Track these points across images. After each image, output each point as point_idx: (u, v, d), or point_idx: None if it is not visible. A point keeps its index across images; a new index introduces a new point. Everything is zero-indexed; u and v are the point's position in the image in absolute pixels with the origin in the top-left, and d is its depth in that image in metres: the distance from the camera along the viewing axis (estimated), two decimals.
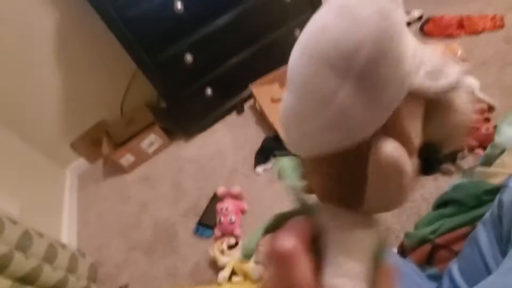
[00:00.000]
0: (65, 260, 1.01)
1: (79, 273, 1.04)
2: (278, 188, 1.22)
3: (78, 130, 1.73)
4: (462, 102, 0.19)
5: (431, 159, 0.18)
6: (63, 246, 1.06)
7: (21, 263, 0.80)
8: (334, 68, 0.16)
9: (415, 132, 0.17)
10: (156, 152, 1.65)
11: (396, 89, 0.16)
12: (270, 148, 1.32)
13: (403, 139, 0.16)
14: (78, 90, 1.65)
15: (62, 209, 1.48)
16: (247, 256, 0.21)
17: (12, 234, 0.84)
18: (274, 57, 1.50)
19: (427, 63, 0.17)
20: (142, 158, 1.62)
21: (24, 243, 0.85)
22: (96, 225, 1.48)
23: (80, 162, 1.81)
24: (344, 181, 0.19)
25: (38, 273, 0.85)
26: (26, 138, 1.55)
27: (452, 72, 0.17)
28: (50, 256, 0.94)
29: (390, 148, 0.16)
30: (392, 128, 0.16)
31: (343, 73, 0.15)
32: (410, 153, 0.17)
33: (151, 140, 1.60)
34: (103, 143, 1.61)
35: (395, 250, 0.74)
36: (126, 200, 1.51)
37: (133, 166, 1.62)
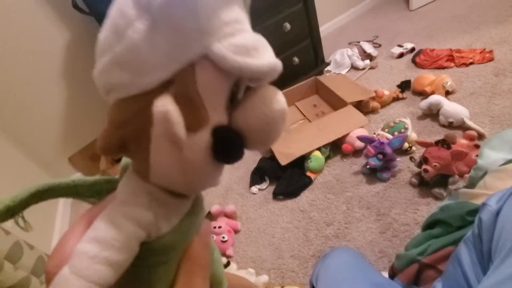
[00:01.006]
0: None
1: None
2: (272, 208, 1.22)
3: (77, 144, 1.75)
4: (270, 96, 0.18)
5: (226, 143, 0.17)
6: None
7: (10, 274, 0.79)
8: None
9: (212, 104, 0.16)
10: None
11: (188, 41, 0.15)
12: (266, 168, 1.34)
13: (190, 104, 0.16)
14: (82, 105, 1.69)
15: (54, 223, 1.47)
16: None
17: (3, 244, 0.83)
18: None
19: (241, 38, 0.16)
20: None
21: (14, 254, 0.85)
22: None
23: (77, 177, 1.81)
24: (130, 133, 0.17)
25: (25, 285, 0.83)
26: (25, 150, 1.57)
27: (267, 57, 0.16)
28: (38, 269, 0.92)
29: (162, 101, 0.15)
30: (182, 88, 0.15)
31: (141, 7, 0.15)
32: (197, 123, 0.16)
33: None
34: (101, 158, 1.63)
35: (386, 273, 0.74)
36: None
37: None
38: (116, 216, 0.17)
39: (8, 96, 1.49)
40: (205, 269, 0.21)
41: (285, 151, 1.28)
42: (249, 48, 0.16)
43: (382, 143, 1.10)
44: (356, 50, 1.85)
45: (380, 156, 1.09)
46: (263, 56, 0.16)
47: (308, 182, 1.24)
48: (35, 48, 1.47)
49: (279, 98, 0.18)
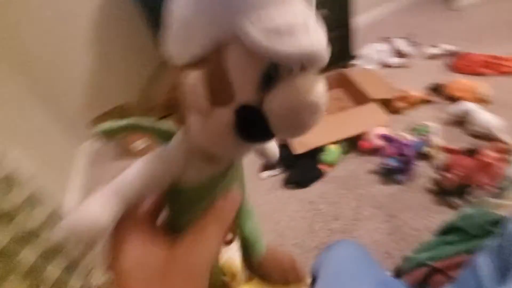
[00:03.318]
0: None
1: None
2: (280, 195, 1.22)
3: (100, 109, 1.78)
4: (304, 86, 0.17)
5: (246, 123, 0.17)
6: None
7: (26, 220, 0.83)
8: None
9: (241, 84, 0.16)
10: None
11: (220, 20, 0.16)
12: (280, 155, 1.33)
13: (217, 81, 0.16)
14: (108, 71, 1.72)
15: (67, 184, 1.52)
16: (104, 133, 0.22)
17: (18, 196, 0.87)
18: None
19: (276, 19, 0.15)
20: (153, 146, 1.65)
21: (29, 204, 0.88)
22: None
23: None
24: (177, 97, 0.19)
25: (37, 234, 0.87)
26: (50, 108, 1.62)
27: (302, 42, 0.15)
28: (50, 222, 0.96)
29: (191, 75, 0.17)
30: (212, 66, 0.16)
31: None
32: (222, 99, 0.17)
33: None
34: None
35: (388, 272, 0.72)
36: None
37: (143, 152, 1.65)
38: (154, 155, 0.21)
39: (40, 54, 1.53)
40: (222, 220, 0.22)
41: (300, 140, 1.26)
42: (282, 31, 0.15)
43: (403, 145, 1.06)
44: (388, 46, 1.78)
45: (399, 157, 1.05)
46: (298, 41, 0.15)
47: (320, 174, 1.23)
48: (66, 9, 1.49)
49: (314, 90, 0.17)
